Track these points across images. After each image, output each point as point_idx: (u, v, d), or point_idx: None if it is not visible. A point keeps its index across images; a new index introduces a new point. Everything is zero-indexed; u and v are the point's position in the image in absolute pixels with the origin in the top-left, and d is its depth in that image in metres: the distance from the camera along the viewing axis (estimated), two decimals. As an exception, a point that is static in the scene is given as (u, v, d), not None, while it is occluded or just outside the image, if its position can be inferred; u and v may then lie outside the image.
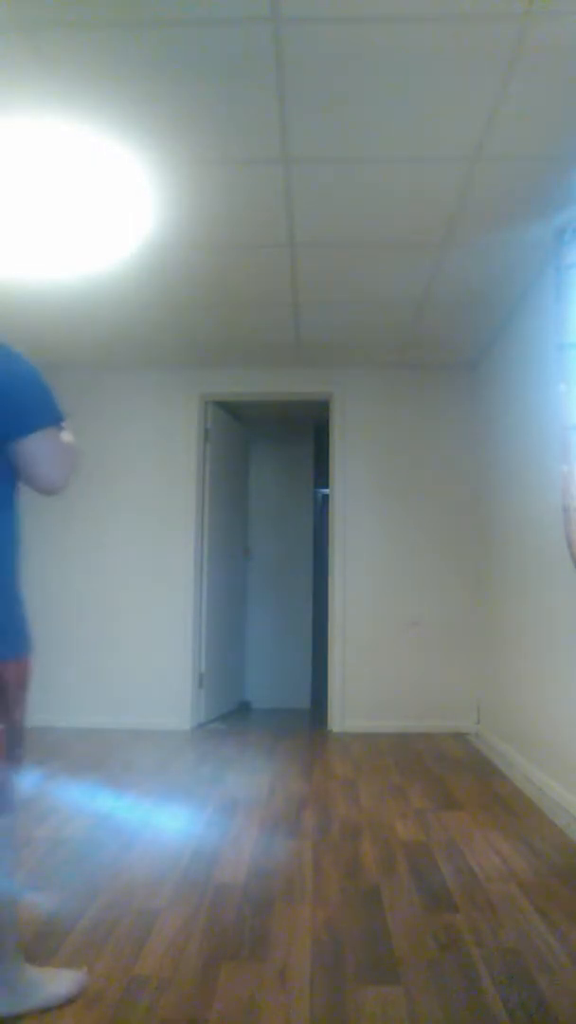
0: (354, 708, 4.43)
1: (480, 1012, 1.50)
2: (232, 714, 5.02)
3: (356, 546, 4.53)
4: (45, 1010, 1.49)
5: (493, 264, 3.11)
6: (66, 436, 1.58)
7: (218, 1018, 1.49)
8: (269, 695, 5.43)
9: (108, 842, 2.48)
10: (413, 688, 4.41)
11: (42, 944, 1.78)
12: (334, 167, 2.43)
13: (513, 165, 2.39)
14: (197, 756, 3.79)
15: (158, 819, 2.74)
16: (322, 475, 5.41)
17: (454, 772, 3.44)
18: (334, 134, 2.25)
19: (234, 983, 1.62)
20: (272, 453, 5.75)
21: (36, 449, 1.50)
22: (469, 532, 4.47)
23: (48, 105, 2.10)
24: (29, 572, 5.14)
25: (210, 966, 1.68)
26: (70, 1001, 1.53)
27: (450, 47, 1.88)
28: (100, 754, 3.74)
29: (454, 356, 4.40)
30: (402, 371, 4.60)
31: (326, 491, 5.09)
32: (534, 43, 1.86)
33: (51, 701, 4.45)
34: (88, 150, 2.31)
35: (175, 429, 4.66)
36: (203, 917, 1.93)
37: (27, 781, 3.23)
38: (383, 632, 4.48)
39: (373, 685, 4.44)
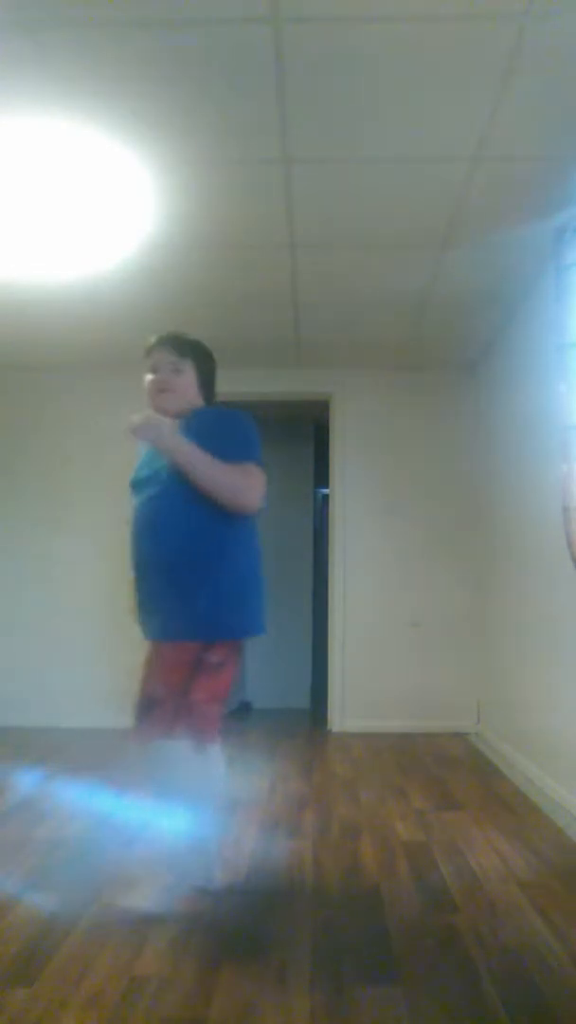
0: (354, 708, 4.43)
1: (480, 1012, 1.50)
2: (232, 714, 5.02)
3: (356, 546, 4.53)
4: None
5: (493, 264, 3.11)
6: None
7: (218, 1018, 1.49)
8: (269, 695, 5.43)
9: (108, 842, 2.48)
10: (413, 688, 4.41)
11: (42, 944, 1.78)
12: (334, 167, 2.43)
13: (513, 165, 2.39)
14: (197, 756, 3.78)
15: (158, 819, 2.74)
16: (322, 475, 5.41)
17: (454, 772, 3.44)
18: (334, 134, 2.25)
19: (234, 983, 1.62)
20: (272, 453, 5.70)
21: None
22: (469, 532, 4.47)
23: (48, 105, 2.10)
24: (30, 573, 5.11)
25: (210, 966, 1.68)
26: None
27: (450, 47, 1.88)
28: (100, 754, 3.74)
29: (454, 356, 4.40)
30: (402, 371, 4.60)
31: (326, 491, 5.09)
32: (534, 43, 1.86)
33: (51, 701, 4.45)
34: (88, 150, 2.31)
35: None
36: (203, 917, 1.93)
37: (27, 781, 3.23)
38: (383, 632, 4.48)
39: (373, 685, 4.44)
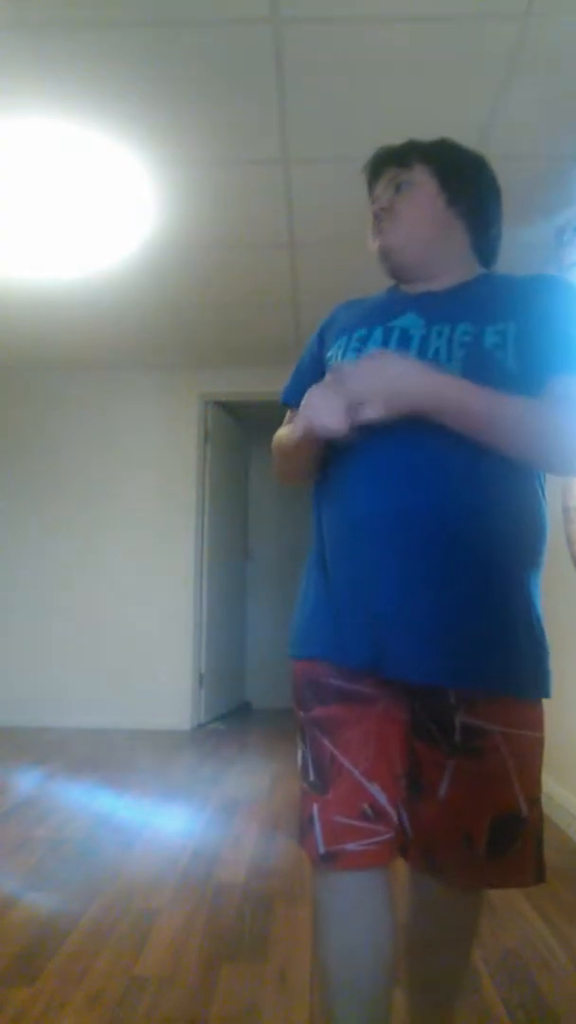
0: (354, 708, 4.42)
1: (480, 1012, 1.50)
2: (232, 714, 5.02)
3: (356, 546, 4.52)
4: None
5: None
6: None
7: (218, 1018, 1.48)
8: (270, 695, 5.43)
9: (108, 842, 2.48)
10: (413, 688, 4.41)
11: (42, 944, 1.78)
12: (334, 167, 2.43)
13: (513, 165, 2.39)
14: (197, 756, 3.79)
15: (158, 819, 2.74)
16: (322, 475, 5.40)
17: (454, 772, 3.43)
18: (334, 134, 2.25)
19: (234, 983, 1.61)
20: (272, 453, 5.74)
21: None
22: (469, 532, 4.47)
23: (48, 105, 2.10)
24: (30, 573, 5.10)
25: (210, 966, 1.68)
26: None
27: (450, 47, 1.88)
28: (100, 754, 3.74)
29: (454, 356, 4.39)
30: (402, 371, 4.59)
31: (326, 491, 5.08)
32: (534, 43, 1.86)
33: (51, 701, 4.45)
34: (88, 150, 2.31)
35: (175, 429, 4.66)
36: (203, 917, 1.93)
37: (27, 781, 3.23)
38: (383, 632, 4.47)
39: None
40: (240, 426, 5.30)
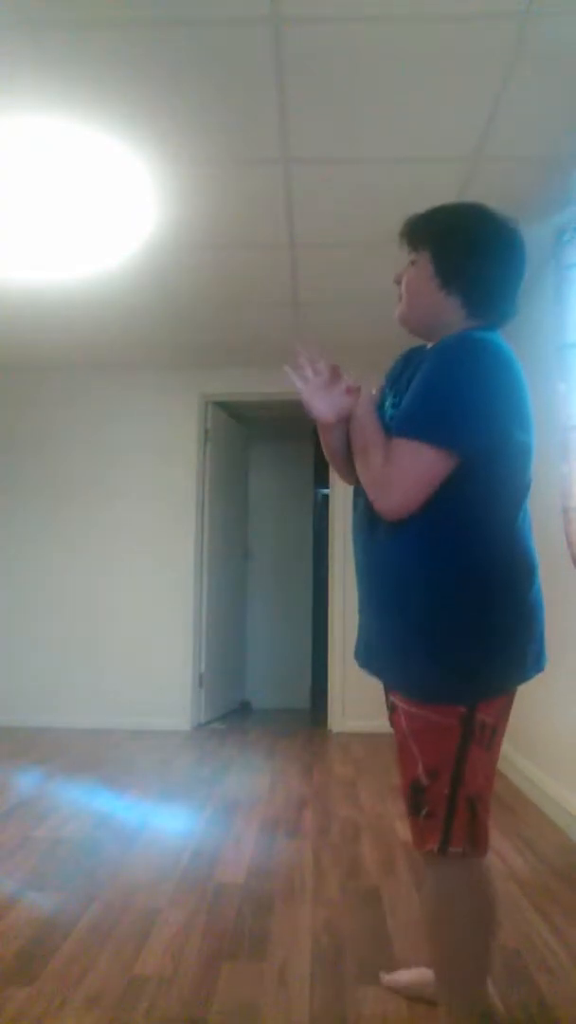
0: (354, 708, 4.42)
1: (480, 1012, 1.50)
2: (232, 714, 5.02)
3: (356, 546, 4.52)
4: None
5: (493, 264, 3.11)
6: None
7: (218, 1018, 1.49)
8: (269, 695, 5.43)
9: (108, 842, 2.48)
10: (413, 688, 4.40)
11: (42, 944, 1.78)
12: (334, 167, 2.43)
13: (513, 165, 2.39)
14: (197, 756, 3.79)
15: (158, 819, 2.74)
16: (322, 475, 5.40)
17: (454, 772, 3.43)
18: (334, 134, 2.25)
19: (234, 983, 1.62)
20: (272, 453, 5.74)
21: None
22: (469, 532, 4.47)
23: (49, 104, 2.10)
24: (30, 572, 5.09)
25: (210, 966, 1.68)
26: None
27: (450, 47, 1.88)
28: (100, 754, 3.75)
29: (454, 356, 4.39)
30: (402, 371, 4.59)
31: (326, 491, 5.09)
32: (534, 43, 1.86)
33: (51, 701, 4.45)
34: (89, 150, 2.31)
35: (175, 429, 4.66)
36: (203, 917, 1.93)
37: (27, 781, 3.23)
38: (383, 632, 4.47)
39: (373, 685, 4.41)
40: (240, 426, 5.30)
